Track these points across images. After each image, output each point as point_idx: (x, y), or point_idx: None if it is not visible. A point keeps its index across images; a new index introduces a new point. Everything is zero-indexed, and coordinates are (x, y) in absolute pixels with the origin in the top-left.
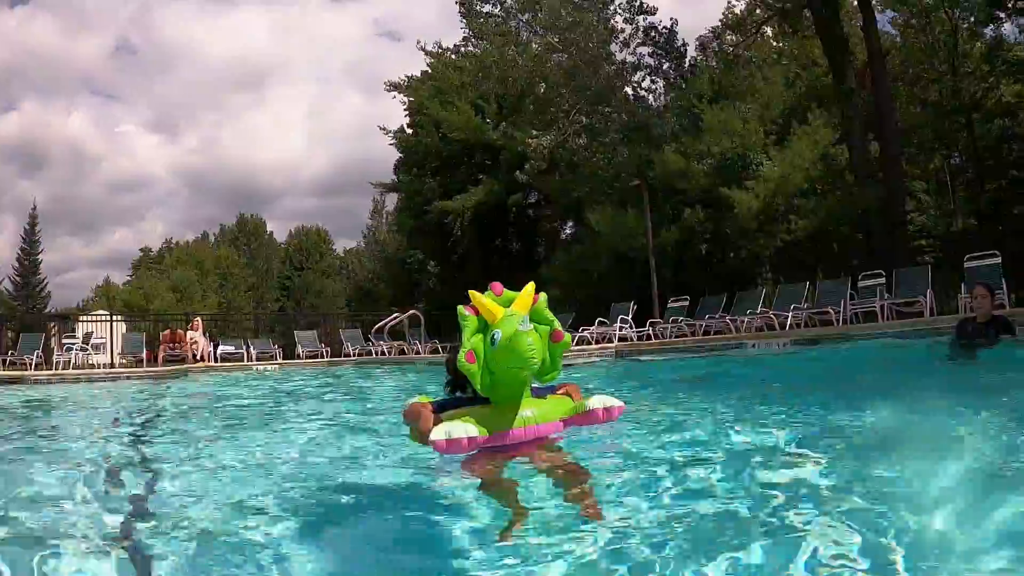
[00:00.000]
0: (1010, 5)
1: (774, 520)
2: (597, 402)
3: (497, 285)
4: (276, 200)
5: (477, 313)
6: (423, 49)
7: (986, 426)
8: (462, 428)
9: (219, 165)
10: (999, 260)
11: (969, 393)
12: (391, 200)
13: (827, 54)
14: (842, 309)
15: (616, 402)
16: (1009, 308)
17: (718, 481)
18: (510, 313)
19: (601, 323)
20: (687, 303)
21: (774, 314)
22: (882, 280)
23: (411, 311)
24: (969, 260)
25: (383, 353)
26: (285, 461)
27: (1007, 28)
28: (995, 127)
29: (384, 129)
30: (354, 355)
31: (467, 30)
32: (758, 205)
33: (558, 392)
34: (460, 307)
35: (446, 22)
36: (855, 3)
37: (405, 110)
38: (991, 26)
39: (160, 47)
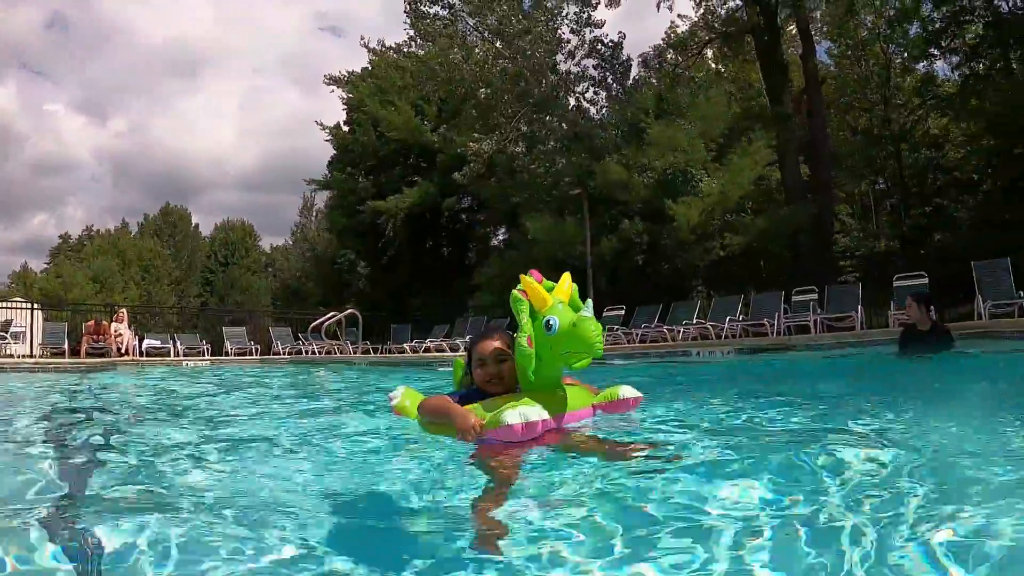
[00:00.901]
0: (943, 44)
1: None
2: (627, 391)
3: (536, 273)
4: (203, 192)
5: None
6: (366, 46)
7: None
8: (537, 411)
9: (146, 152)
10: (926, 280)
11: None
12: (321, 198)
13: (766, 79)
14: (776, 322)
15: (639, 393)
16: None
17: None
18: (558, 300)
19: None
20: (623, 312)
21: (711, 324)
22: (815, 295)
23: (349, 310)
24: (898, 280)
25: (314, 352)
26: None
27: (939, 65)
28: (922, 157)
29: (321, 124)
30: (284, 353)
31: (412, 30)
32: (696, 219)
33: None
34: (514, 292)
35: (391, 21)
36: (795, 32)
37: (343, 106)
38: (924, 62)
39: (96, 24)
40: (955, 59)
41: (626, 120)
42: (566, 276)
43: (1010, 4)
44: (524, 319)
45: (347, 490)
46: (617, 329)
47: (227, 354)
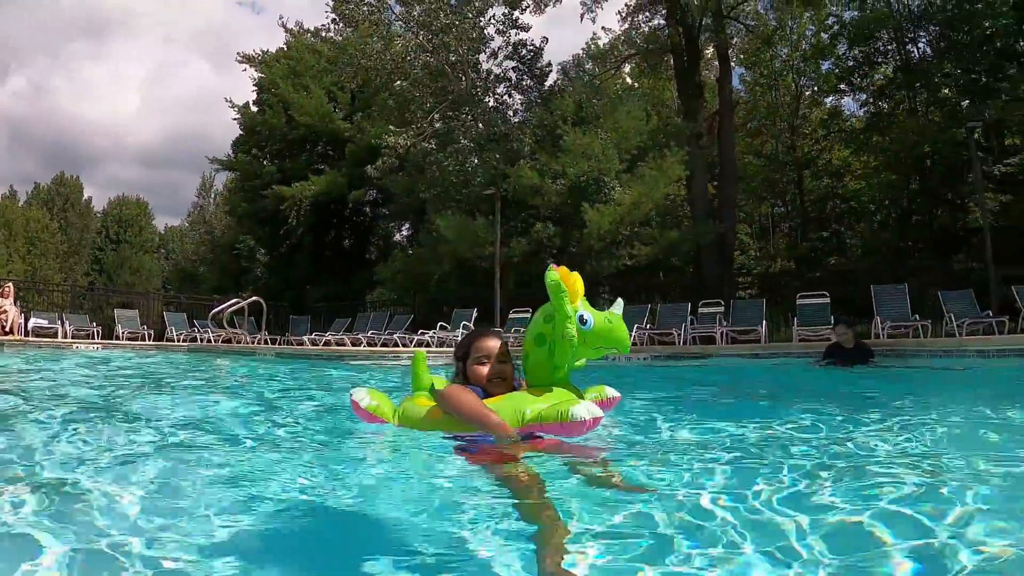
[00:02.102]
0: (854, 81)
1: None
2: (611, 391)
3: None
4: (99, 164)
5: None
6: (283, 26)
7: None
8: (596, 408)
9: (43, 115)
10: (828, 300)
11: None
12: (221, 179)
13: (681, 97)
14: (683, 331)
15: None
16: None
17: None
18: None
19: (442, 328)
20: (530, 314)
21: None
22: (721, 308)
23: (253, 297)
24: (801, 298)
25: (211, 341)
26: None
27: (846, 101)
28: (822, 185)
29: (230, 102)
30: (179, 340)
31: (334, 13)
32: (607, 227)
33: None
34: (553, 277)
35: (313, 3)
36: (712, 55)
37: (254, 87)
38: (833, 96)
39: None
40: (863, 97)
41: (543, 125)
42: (577, 276)
43: (920, 52)
44: (568, 308)
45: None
46: (523, 331)
47: (118, 338)
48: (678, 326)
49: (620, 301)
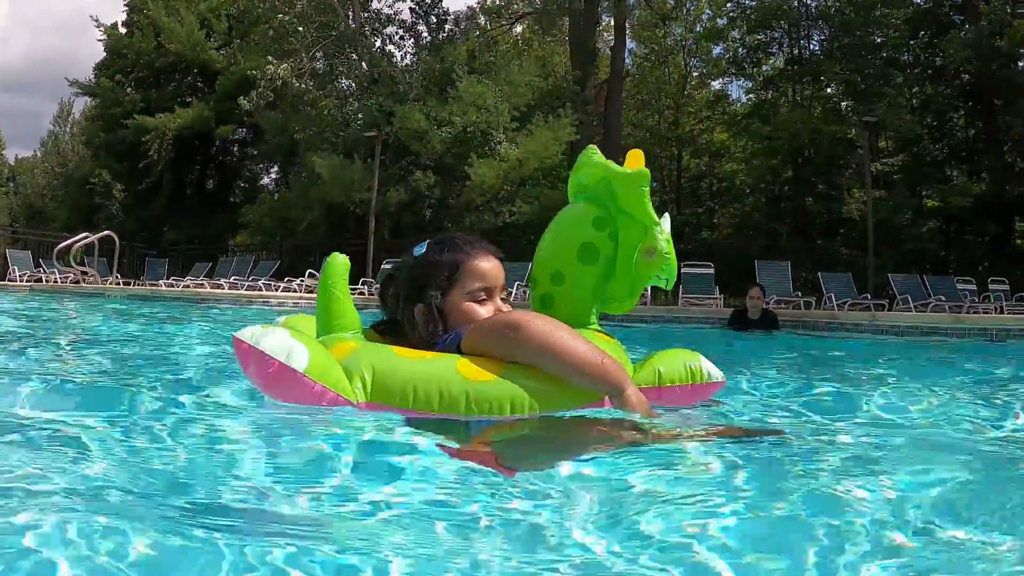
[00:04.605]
0: (745, 69)
1: None
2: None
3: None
4: None
5: None
6: None
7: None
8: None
9: None
10: (712, 270)
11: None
12: (80, 107)
13: (574, 62)
14: None
15: None
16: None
17: None
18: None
19: (311, 275)
20: None
21: None
22: None
23: (105, 232)
24: (686, 267)
25: (57, 281)
26: None
27: (733, 86)
28: (701, 163)
29: (96, 21)
30: (22, 280)
31: None
32: (492, 182)
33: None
34: (639, 158)
35: None
36: (609, 25)
37: (125, 5)
38: (720, 79)
39: None
40: (749, 84)
41: (434, 71)
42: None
43: (810, 49)
44: (653, 213)
45: None
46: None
47: None
48: None
49: (667, 215)
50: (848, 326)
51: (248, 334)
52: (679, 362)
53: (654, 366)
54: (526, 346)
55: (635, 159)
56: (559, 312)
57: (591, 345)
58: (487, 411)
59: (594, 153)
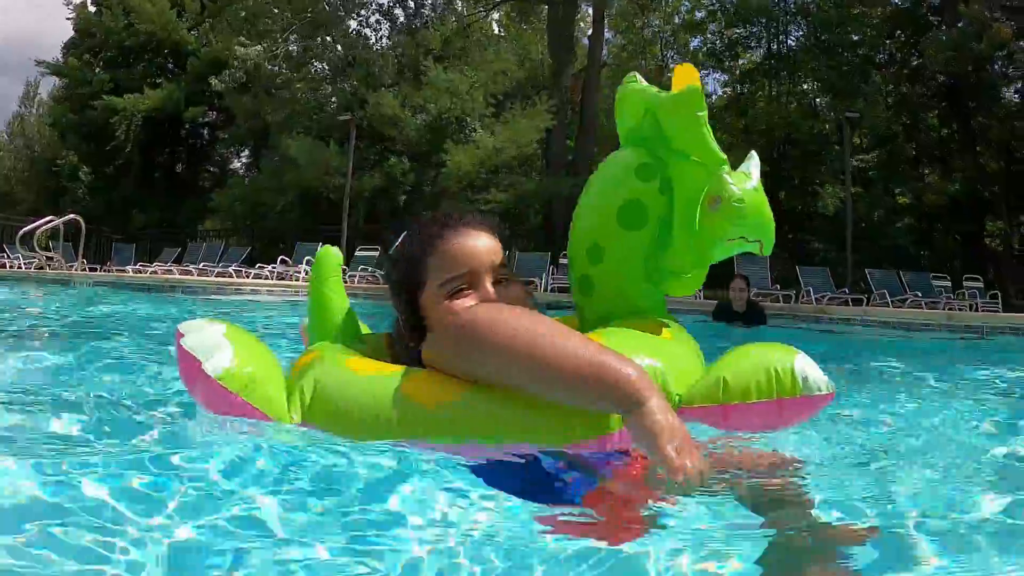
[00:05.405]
0: (723, 63)
1: None
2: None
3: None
4: None
5: None
6: None
7: None
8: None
9: None
10: None
11: None
12: (47, 87)
13: (552, 50)
14: (544, 280)
15: None
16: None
17: None
18: None
19: (284, 262)
20: (378, 252)
21: None
22: None
23: (70, 215)
24: None
25: (20, 267)
26: None
27: (709, 79)
28: None
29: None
30: None
31: None
32: (468, 169)
33: None
34: (693, 73)
35: None
36: (587, 14)
37: None
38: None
39: None
40: (725, 78)
41: (408, 56)
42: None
43: (788, 45)
44: (717, 147)
45: None
46: (371, 270)
47: None
48: (538, 275)
49: (754, 153)
50: (837, 320)
51: (185, 326)
52: (759, 364)
53: (718, 373)
54: (481, 352)
55: (685, 75)
56: (601, 298)
57: (589, 342)
58: (445, 442)
59: (632, 80)
